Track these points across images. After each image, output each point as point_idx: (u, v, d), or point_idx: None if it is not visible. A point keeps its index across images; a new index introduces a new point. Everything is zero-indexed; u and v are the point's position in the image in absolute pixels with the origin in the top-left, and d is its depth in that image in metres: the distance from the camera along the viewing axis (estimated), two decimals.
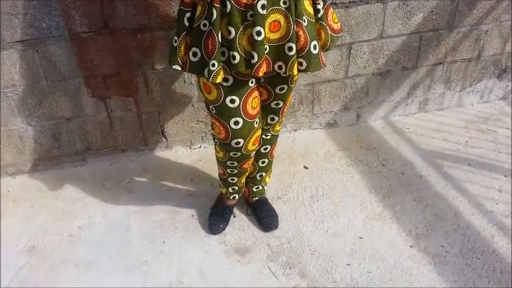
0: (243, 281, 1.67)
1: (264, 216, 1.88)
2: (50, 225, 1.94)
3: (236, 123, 1.46)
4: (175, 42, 1.36)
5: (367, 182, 2.12)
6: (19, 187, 2.16)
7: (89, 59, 2.00)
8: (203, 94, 1.48)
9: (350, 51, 2.29)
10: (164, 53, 2.06)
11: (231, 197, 1.87)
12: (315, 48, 1.35)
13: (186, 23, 1.33)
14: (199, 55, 1.32)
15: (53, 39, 1.92)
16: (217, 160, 1.73)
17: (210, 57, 1.28)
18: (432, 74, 2.51)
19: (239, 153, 1.56)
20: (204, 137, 2.38)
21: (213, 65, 1.28)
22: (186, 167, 2.26)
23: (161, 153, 2.36)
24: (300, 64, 1.36)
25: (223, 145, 1.55)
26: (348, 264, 1.72)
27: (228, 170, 1.69)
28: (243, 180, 1.81)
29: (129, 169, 2.26)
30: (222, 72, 1.32)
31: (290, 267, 1.72)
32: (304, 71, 1.37)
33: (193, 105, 2.25)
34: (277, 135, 1.81)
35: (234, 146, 1.52)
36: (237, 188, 1.83)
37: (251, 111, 1.48)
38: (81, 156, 2.27)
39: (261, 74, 1.32)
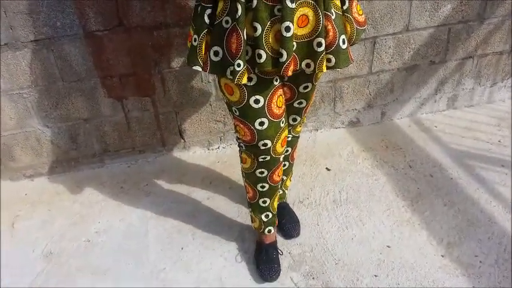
0: None
1: (285, 222, 1.80)
2: (67, 230, 1.91)
3: (261, 124, 1.37)
4: (195, 41, 1.26)
5: (394, 185, 2.02)
6: (37, 190, 2.14)
7: (105, 59, 1.95)
8: (224, 95, 1.39)
9: (374, 45, 2.18)
10: (181, 51, 1.99)
11: (266, 231, 1.67)
12: (343, 42, 1.26)
13: (207, 21, 1.23)
14: (221, 54, 1.23)
15: (67, 38, 1.88)
16: (244, 177, 1.58)
17: (234, 56, 1.19)
18: (461, 68, 2.38)
19: (268, 157, 1.45)
20: (222, 137, 2.31)
21: (239, 65, 1.19)
22: (204, 169, 2.20)
23: (179, 154, 2.30)
24: (329, 61, 1.27)
25: (250, 148, 1.45)
26: (375, 276, 1.63)
27: (258, 187, 1.55)
28: (276, 204, 1.65)
29: (147, 171, 2.21)
30: (246, 72, 1.24)
31: (313, 278, 1.64)
32: (333, 67, 1.28)
33: (211, 105, 2.18)
34: (299, 137, 1.72)
35: (262, 148, 1.42)
36: (270, 215, 1.64)
37: (276, 111, 1.38)
38: (99, 158, 2.23)
39: (290, 73, 1.23)
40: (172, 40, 1.96)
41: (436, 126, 2.39)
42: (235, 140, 2.32)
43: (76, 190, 2.11)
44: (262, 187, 1.55)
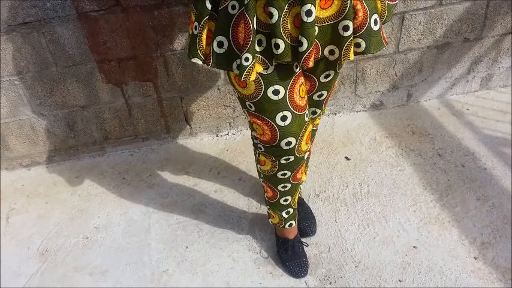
0: None
1: (300, 219, 1.64)
2: (64, 225, 1.78)
3: (284, 118, 1.17)
4: (196, 30, 1.08)
5: (421, 177, 1.82)
6: (34, 180, 2.01)
7: (101, 41, 1.78)
8: (236, 89, 1.19)
9: (403, 21, 1.95)
10: (185, 32, 1.81)
11: (287, 225, 1.52)
12: (375, 23, 1.06)
13: (209, 6, 1.04)
14: (226, 45, 1.04)
15: (59, 20, 1.71)
16: (262, 177, 1.40)
17: (242, 49, 1.01)
18: (499, 45, 2.14)
19: (292, 158, 1.26)
20: (231, 123, 2.14)
21: (246, 59, 1.01)
22: (212, 158, 2.03)
23: (185, 141, 2.14)
24: (357, 45, 1.07)
25: (271, 149, 1.25)
26: (400, 281, 1.46)
27: (280, 187, 1.39)
28: (297, 199, 1.48)
29: (150, 160, 2.06)
30: (257, 66, 1.05)
31: (330, 283, 1.48)
32: (363, 53, 1.08)
33: (219, 89, 2.00)
34: (317, 130, 1.54)
35: (285, 148, 1.22)
36: (291, 211, 1.49)
37: (300, 102, 1.19)
38: (99, 146, 2.09)
39: (311, 64, 1.04)
40: (175, 20, 1.77)
41: (468, 109, 2.16)
42: (246, 127, 2.15)
43: (75, 181, 1.98)
44: (284, 187, 1.38)
